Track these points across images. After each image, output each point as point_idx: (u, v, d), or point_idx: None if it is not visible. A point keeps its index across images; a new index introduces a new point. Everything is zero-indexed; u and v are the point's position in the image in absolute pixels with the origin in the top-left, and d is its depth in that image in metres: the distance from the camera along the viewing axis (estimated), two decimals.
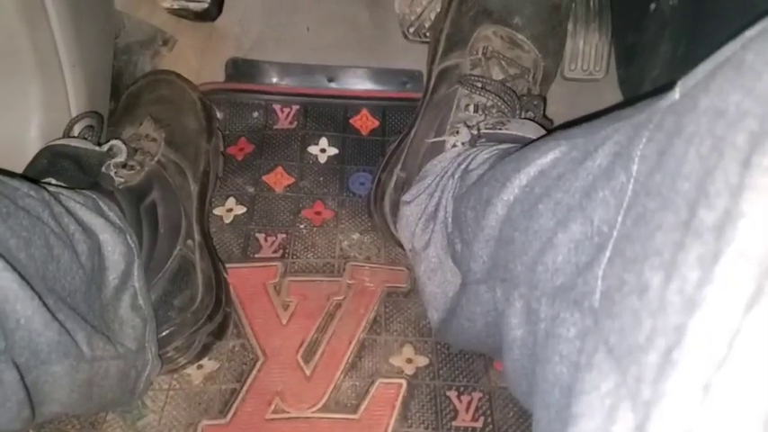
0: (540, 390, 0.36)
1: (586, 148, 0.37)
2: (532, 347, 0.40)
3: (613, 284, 0.30)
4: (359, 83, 0.89)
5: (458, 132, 0.64)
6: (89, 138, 0.61)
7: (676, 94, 0.31)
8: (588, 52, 0.82)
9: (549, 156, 0.43)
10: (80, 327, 0.48)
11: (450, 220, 0.59)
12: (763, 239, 0.23)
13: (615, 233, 0.31)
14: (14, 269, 0.42)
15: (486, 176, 0.52)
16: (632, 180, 0.32)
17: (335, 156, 0.83)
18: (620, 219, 0.31)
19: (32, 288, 0.43)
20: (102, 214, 0.54)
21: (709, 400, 0.23)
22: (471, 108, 0.65)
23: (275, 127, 0.85)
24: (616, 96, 0.84)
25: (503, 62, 0.67)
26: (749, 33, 0.27)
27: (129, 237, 0.56)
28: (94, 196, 0.55)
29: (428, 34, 0.83)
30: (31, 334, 0.44)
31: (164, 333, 0.60)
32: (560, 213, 0.38)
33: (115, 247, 0.53)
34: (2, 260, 0.41)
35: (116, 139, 0.61)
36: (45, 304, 0.44)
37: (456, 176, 0.60)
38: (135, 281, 0.55)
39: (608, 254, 0.31)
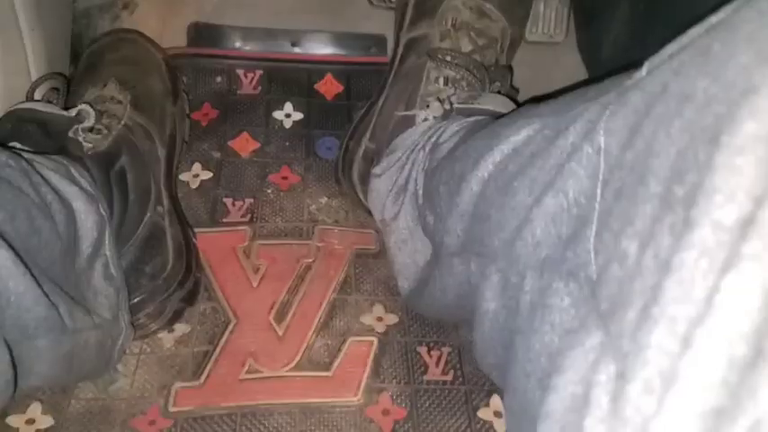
0: (520, 360, 0.37)
1: (558, 127, 0.39)
2: (504, 321, 0.42)
3: (605, 256, 0.32)
4: (323, 47, 0.89)
5: (428, 106, 0.65)
6: (54, 101, 0.60)
7: (643, 71, 0.32)
8: (549, 15, 0.83)
9: (522, 133, 0.44)
10: (62, 299, 0.48)
11: (420, 192, 0.60)
12: (736, 212, 0.24)
13: (597, 206, 0.33)
14: (10, 246, 0.41)
15: (459, 151, 0.53)
16: (602, 152, 0.33)
17: (301, 121, 0.83)
18: (598, 192, 0.33)
19: (24, 264, 0.43)
20: (74, 182, 0.54)
21: (690, 353, 0.25)
22: (441, 81, 0.66)
23: (239, 92, 0.84)
24: (576, 59, 0.86)
25: (471, 33, 0.67)
26: (714, 19, 0.29)
27: (100, 204, 0.55)
28: (65, 162, 0.55)
29: (393, 0, 0.83)
30: (20, 311, 0.44)
31: (135, 300, 0.60)
32: (536, 190, 0.39)
33: (88, 215, 0.53)
34: (2, 241, 0.41)
35: (83, 102, 0.60)
36: (35, 278, 0.43)
37: (426, 149, 0.61)
38: (107, 249, 0.55)
39: (594, 227, 0.33)
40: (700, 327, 0.24)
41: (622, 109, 0.32)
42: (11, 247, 0.42)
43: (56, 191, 0.51)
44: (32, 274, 0.44)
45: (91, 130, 0.61)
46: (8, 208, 0.43)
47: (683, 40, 0.30)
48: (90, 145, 0.60)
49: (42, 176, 0.51)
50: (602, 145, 0.33)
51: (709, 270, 0.25)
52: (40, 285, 0.45)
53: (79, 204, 0.53)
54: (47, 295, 0.46)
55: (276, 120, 0.82)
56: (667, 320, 0.26)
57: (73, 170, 0.55)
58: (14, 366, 0.44)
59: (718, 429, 0.23)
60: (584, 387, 0.29)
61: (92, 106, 0.61)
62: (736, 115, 0.25)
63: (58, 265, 0.50)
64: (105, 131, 0.62)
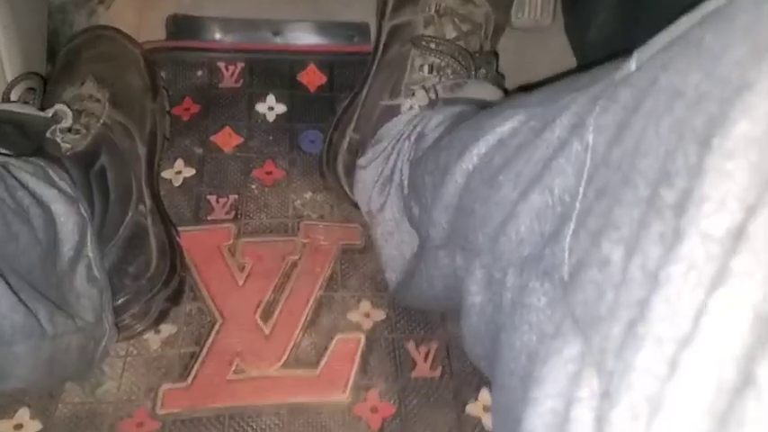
0: (505, 357, 0.37)
1: (545, 119, 0.38)
2: (491, 315, 0.41)
3: (579, 257, 0.31)
4: (305, 37, 0.87)
5: (413, 95, 0.64)
6: (31, 101, 0.58)
7: (632, 64, 0.31)
8: (535, 0, 0.82)
9: (508, 124, 0.43)
10: (42, 305, 0.47)
11: (405, 183, 0.60)
12: (727, 222, 0.23)
13: (578, 204, 0.32)
14: None
15: (444, 142, 0.52)
16: (589, 150, 0.32)
17: (284, 114, 0.82)
18: (581, 189, 0.32)
19: (2, 270, 0.42)
20: (53, 184, 0.53)
21: (677, 377, 0.24)
22: (426, 69, 0.65)
23: (220, 86, 0.83)
24: (563, 43, 0.85)
25: (455, 19, 0.66)
26: (705, 9, 0.27)
27: (81, 206, 0.55)
28: (43, 164, 0.54)
29: None
30: None
31: (119, 301, 0.59)
32: (522, 184, 0.38)
33: (68, 217, 0.52)
34: None
35: (59, 102, 0.59)
36: (10, 286, 0.43)
37: (412, 139, 0.60)
38: (89, 251, 0.55)
39: (572, 226, 0.32)
40: (687, 349, 0.23)
41: (612, 105, 0.31)
42: None
43: (33, 194, 0.51)
44: (7, 282, 0.43)
45: (69, 130, 0.60)
46: None
47: (674, 30, 0.29)
48: (68, 145, 0.59)
49: (19, 180, 0.50)
50: (591, 142, 0.32)
51: (697, 286, 0.24)
52: (15, 293, 0.44)
53: (59, 207, 0.52)
54: (24, 302, 0.46)
55: (259, 113, 0.81)
56: (654, 340, 0.25)
57: (51, 172, 0.54)
58: None
59: None
60: (564, 402, 0.28)
61: (69, 106, 0.60)
62: (729, 115, 0.24)
63: (37, 270, 0.49)
64: (84, 131, 0.61)
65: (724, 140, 0.24)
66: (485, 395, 0.63)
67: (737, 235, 0.23)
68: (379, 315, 0.68)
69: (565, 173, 0.34)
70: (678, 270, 0.24)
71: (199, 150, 0.77)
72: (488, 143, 0.44)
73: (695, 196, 0.24)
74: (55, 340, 0.49)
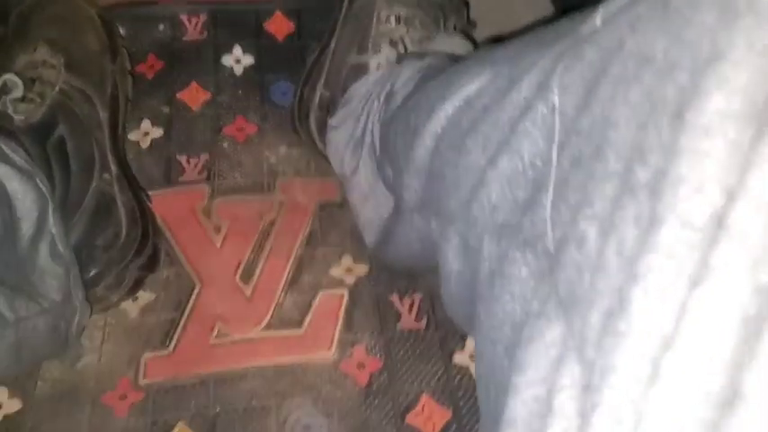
0: (486, 326, 0.35)
1: (511, 77, 0.36)
2: (471, 282, 0.40)
3: (562, 232, 0.29)
4: None
5: (380, 50, 0.61)
6: None
7: (597, 20, 0.29)
8: None
9: (475, 83, 0.41)
10: (1, 292, 0.45)
11: (377, 144, 0.58)
12: (707, 207, 0.22)
13: (553, 172, 0.30)
14: None
15: (412, 101, 0.50)
16: (557, 112, 0.30)
17: (252, 65, 0.78)
18: (554, 156, 0.30)
19: None
20: (5, 160, 0.50)
21: (660, 383, 0.22)
22: (393, 20, 0.62)
23: (184, 39, 0.79)
24: None
25: None
26: None
27: (39, 180, 0.52)
28: None
29: None
30: None
31: (91, 273, 0.58)
32: (490, 149, 0.36)
33: (25, 194, 0.50)
34: None
35: (9, 72, 0.56)
36: None
37: (381, 98, 0.58)
38: (51, 227, 0.52)
39: (551, 196, 0.30)
40: (669, 351, 0.22)
41: (577, 64, 0.29)
42: None
43: None
44: None
45: (22, 99, 0.57)
46: None
47: None
48: (21, 117, 0.56)
49: None
50: (557, 104, 0.30)
51: (677, 278, 0.22)
52: None
53: (14, 184, 0.50)
54: None
55: (226, 66, 0.78)
56: (635, 337, 0.23)
57: (4, 147, 0.52)
58: None
59: None
60: (546, 388, 0.27)
61: (21, 74, 0.57)
62: (702, 87, 0.22)
63: None
64: (38, 100, 0.58)
65: (698, 116, 0.22)
66: (470, 344, 0.63)
67: (718, 223, 0.21)
68: (362, 269, 0.66)
69: (532, 136, 0.32)
70: (657, 260, 0.23)
71: (166, 109, 0.74)
72: (454, 104, 0.42)
73: (671, 177, 0.22)
74: (20, 325, 0.48)
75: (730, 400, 0.21)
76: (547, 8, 0.79)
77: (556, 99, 0.30)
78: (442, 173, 0.43)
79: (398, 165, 0.51)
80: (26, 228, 0.51)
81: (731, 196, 0.21)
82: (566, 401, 0.25)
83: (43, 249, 0.52)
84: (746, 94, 0.22)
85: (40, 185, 0.52)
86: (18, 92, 0.55)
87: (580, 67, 0.29)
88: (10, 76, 0.55)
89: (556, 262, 0.29)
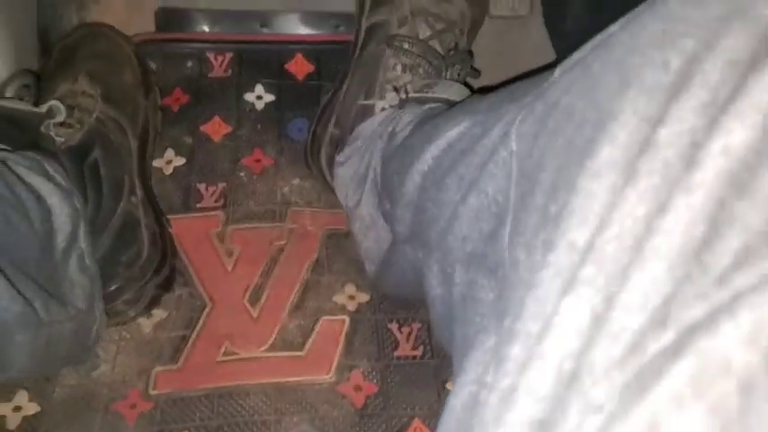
0: (459, 347, 0.39)
1: (484, 126, 0.41)
2: (450, 306, 0.44)
3: (512, 259, 0.34)
4: (292, 27, 0.89)
5: (385, 96, 0.67)
6: (26, 98, 0.61)
7: (556, 74, 0.34)
8: None
9: (455, 130, 0.46)
10: (38, 295, 0.50)
11: (379, 180, 0.63)
12: (585, 235, 0.27)
13: (511, 207, 0.35)
14: None
15: (408, 142, 0.55)
16: (514, 156, 0.35)
17: (272, 102, 0.84)
18: (512, 194, 0.35)
19: (3, 261, 0.44)
20: (48, 178, 0.55)
21: (528, 368, 0.27)
22: (399, 68, 0.68)
23: (210, 76, 0.85)
24: (542, 33, 0.86)
25: (429, 18, 0.68)
26: (605, 34, 0.30)
27: (75, 198, 0.57)
28: (39, 158, 0.56)
29: None
30: None
31: (112, 288, 0.62)
32: (464, 188, 0.41)
33: (62, 209, 0.55)
34: None
35: (53, 99, 0.61)
36: (8, 279, 0.45)
37: (384, 138, 0.63)
38: (81, 242, 0.57)
39: (508, 228, 0.35)
40: (540, 344, 0.27)
41: (530, 116, 0.34)
42: None
43: (30, 188, 0.53)
44: (6, 276, 0.46)
45: (62, 124, 0.62)
46: None
47: (587, 48, 0.32)
48: (62, 139, 0.61)
49: (17, 174, 0.53)
50: (515, 149, 0.35)
51: (559, 290, 0.27)
52: (13, 284, 0.47)
53: (54, 200, 0.55)
54: (21, 293, 0.48)
55: (248, 102, 0.83)
56: (523, 336, 0.28)
57: (47, 166, 0.57)
58: None
59: None
60: (477, 387, 0.31)
61: (62, 101, 0.63)
62: (597, 140, 0.27)
63: (33, 261, 0.52)
64: (77, 125, 0.63)
65: (593, 163, 0.27)
66: None
67: (588, 248, 0.26)
68: (364, 297, 0.70)
69: (496, 177, 0.37)
70: (547, 275, 0.28)
71: (189, 140, 0.80)
72: (439, 147, 0.48)
73: (568, 210, 0.27)
74: (51, 327, 0.52)
75: (574, 376, 0.25)
76: (549, 54, 0.84)
77: (514, 145, 0.35)
78: (425, 206, 0.48)
79: (394, 199, 0.55)
80: (60, 240, 0.55)
81: (601, 227, 0.26)
82: (488, 394, 0.29)
83: (73, 262, 0.56)
84: (626, 148, 0.26)
85: (76, 203, 0.57)
86: (61, 117, 0.61)
87: (531, 119, 0.34)
88: (55, 103, 0.60)
89: (503, 286, 0.33)
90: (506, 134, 0.36)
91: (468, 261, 0.40)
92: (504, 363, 0.28)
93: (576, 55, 0.32)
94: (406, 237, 0.54)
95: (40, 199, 0.53)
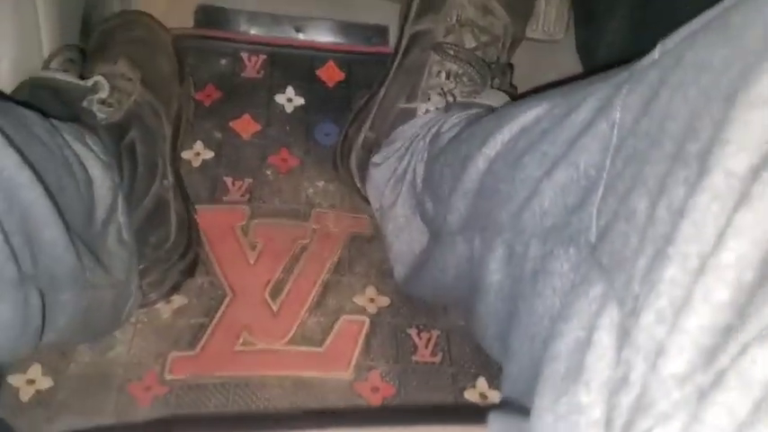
0: (524, 323, 0.39)
1: (569, 105, 0.41)
2: (509, 291, 0.44)
3: (608, 218, 0.34)
4: (326, 35, 0.91)
5: (429, 99, 0.67)
6: (71, 71, 0.61)
7: (656, 54, 0.34)
8: (549, 13, 0.86)
9: (532, 113, 0.46)
10: (85, 254, 0.50)
11: (419, 181, 0.63)
12: (746, 161, 0.26)
13: (605, 174, 0.35)
14: (50, 195, 0.43)
15: (464, 135, 0.56)
16: (616, 127, 0.35)
17: (301, 106, 0.85)
18: (608, 162, 0.35)
19: (59, 213, 0.44)
20: (90, 149, 0.55)
21: (702, 281, 0.26)
22: (443, 75, 0.68)
23: (242, 75, 0.86)
24: (573, 59, 0.88)
25: (475, 30, 0.69)
26: (727, 2, 0.30)
27: (114, 173, 0.57)
28: (82, 130, 0.57)
29: None
30: (52, 260, 0.45)
31: (139, 267, 0.62)
32: (547, 163, 0.41)
33: (104, 182, 0.55)
34: (40, 186, 0.42)
35: (99, 74, 0.62)
36: (66, 230, 0.45)
37: (426, 140, 0.63)
38: (120, 215, 0.57)
39: (600, 193, 0.35)
40: (712, 258, 0.26)
41: (639, 86, 0.34)
42: (49, 197, 0.44)
43: (76, 155, 0.53)
44: (65, 224, 0.46)
45: (103, 102, 0.62)
46: (41, 164, 0.45)
47: (697, 22, 0.32)
48: (103, 116, 0.61)
49: (64, 139, 0.53)
50: (617, 120, 0.35)
51: (720, 212, 0.26)
52: (69, 236, 0.47)
53: (95, 171, 0.55)
54: (75, 246, 0.48)
55: (278, 103, 0.84)
56: (681, 257, 0.27)
57: (88, 138, 0.57)
58: (44, 316, 0.46)
59: (726, 344, 0.25)
60: (587, 331, 0.30)
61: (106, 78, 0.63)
62: (750, 75, 0.27)
63: (79, 225, 0.52)
64: (117, 105, 0.63)
65: (747, 95, 0.27)
66: (482, 383, 0.66)
67: (756, 170, 0.26)
68: (384, 301, 0.70)
69: (590, 150, 0.37)
70: (703, 200, 0.27)
71: (218, 135, 0.80)
72: (512, 131, 0.48)
73: (720, 140, 0.27)
74: (94, 291, 0.52)
75: (760, 283, 0.25)
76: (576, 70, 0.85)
77: (617, 115, 0.35)
78: (495, 188, 0.48)
79: (443, 193, 0.55)
80: (100, 211, 0.55)
81: (766, 157, 0.26)
82: (603, 336, 0.29)
83: (112, 234, 0.56)
84: None
85: (115, 177, 0.57)
86: (104, 93, 0.61)
87: (641, 89, 0.34)
88: (100, 78, 0.61)
89: (598, 244, 0.33)
90: (606, 107, 0.36)
91: (545, 235, 0.40)
92: (655, 287, 0.27)
93: (684, 30, 0.33)
94: (458, 227, 0.54)
95: (83, 167, 0.53)
